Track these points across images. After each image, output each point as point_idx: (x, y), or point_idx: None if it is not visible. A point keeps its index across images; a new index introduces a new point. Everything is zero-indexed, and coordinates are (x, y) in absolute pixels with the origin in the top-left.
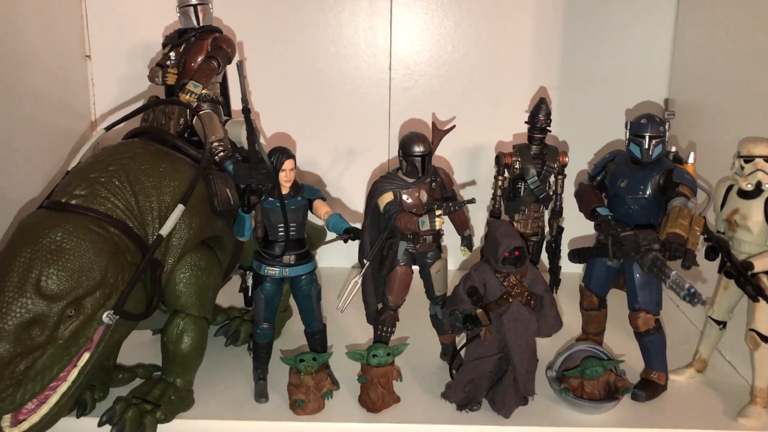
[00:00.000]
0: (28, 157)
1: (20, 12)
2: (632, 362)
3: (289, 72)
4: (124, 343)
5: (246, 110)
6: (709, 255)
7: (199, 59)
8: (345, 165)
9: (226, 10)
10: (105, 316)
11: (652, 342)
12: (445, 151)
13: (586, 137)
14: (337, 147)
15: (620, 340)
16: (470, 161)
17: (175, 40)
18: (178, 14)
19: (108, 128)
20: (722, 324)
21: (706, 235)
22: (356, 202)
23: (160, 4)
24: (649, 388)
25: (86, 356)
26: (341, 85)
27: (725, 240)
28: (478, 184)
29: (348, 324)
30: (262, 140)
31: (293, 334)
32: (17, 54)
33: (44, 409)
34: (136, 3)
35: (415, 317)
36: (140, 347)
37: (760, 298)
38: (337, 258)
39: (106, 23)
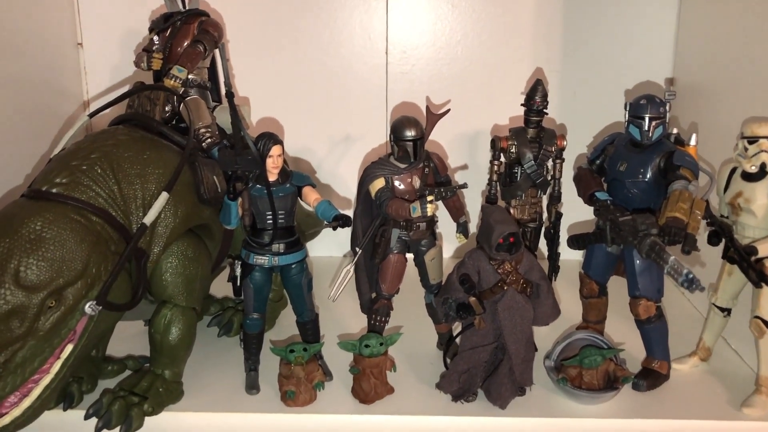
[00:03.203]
0: (21, 145)
1: (11, 1)
2: (633, 351)
3: (281, 57)
4: (114, 334)
5: (229, 94)
6: (712, 240)
7: (185, 44)
8: (342, 151)
9: None
10: (87, 307)
11: (653, 330)
12: (442, 135)
13: (585, 119)
14: (334, 133)
15: (621, 328)
16: (468, 145)
17: (161, 24)
18: None
19: (91, 115)
20: (726, 311)
21: (708, 220)
22: (354, 188)
23: None
24: (651, 377)
25: (69, 348)
26: (337, 70)
27: (728, 224)
28: (475, 169)
29: (342, 313)
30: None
31: (286, 323)
32: (9, 43)
33: (27, 402)
34: None
35: (410, 306)
36: (130, 338)
37: (764, 284)
38: (330, 247)
39: (98, 11)
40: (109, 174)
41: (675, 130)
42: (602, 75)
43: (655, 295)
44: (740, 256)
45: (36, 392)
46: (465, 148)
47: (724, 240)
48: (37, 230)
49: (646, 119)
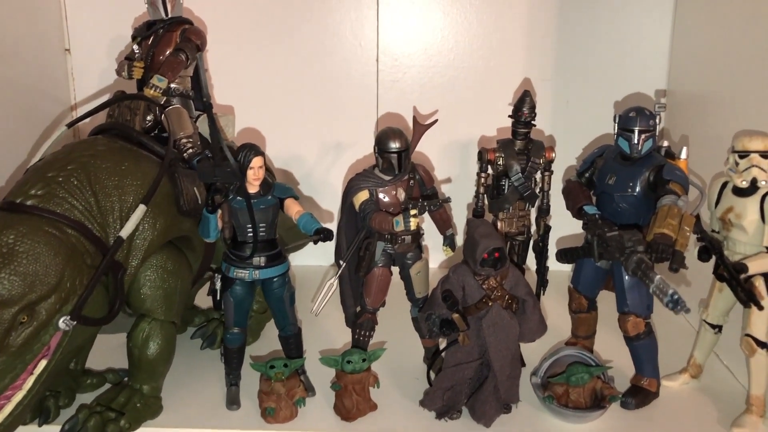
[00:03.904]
0: (5, 152)
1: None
2: (623, 367)
3: (270, 64)
4: (95, 346)
5: (207, 105)
6: (702, 256)
7: (167, 52)
8: (331, 161)
9: (199, 1)
10: (61, 322)
11: (642, 347)
12: (430, 146)
13: (575, 131)
14: (323, 143)
15: (611, 344)
16: (456, 156)
17: (143, 32)
18: (146, 5)
19: (70, 125)
20: (717, 328)
21: (699, 235)
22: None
23: None
24: (640, 395)
25: (43, 363)
26: (326, 78)
27: (718, 240)
28: (463, 180)
29: (326, 327)
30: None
31: (269, 337)
32: None
33: None
34: None
35: (395, 320)
36: (112, 351)
37: (752, 304)
38: (315, 256)
39: (85, 17)
40: (85, 186)
41: (665, 143)
42: (595, 86)
43: (644, 312)
44: (729, 274)
45: (8, 409)
46: (453, 159)
47: (714, 256)
48: (9, 243)
49: (636, 132)
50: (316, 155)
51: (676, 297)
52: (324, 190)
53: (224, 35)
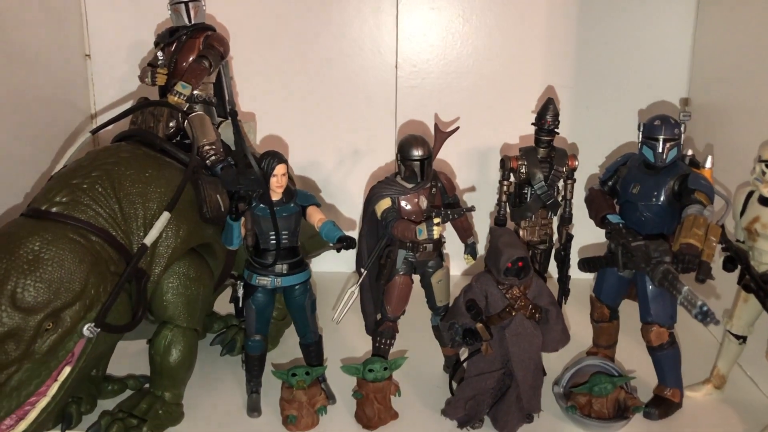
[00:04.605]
0: (25, 161)
1: (21, 12)
2: (645, 377)
3: (290, 71)
4: (115, 352)
5: (232, 113)
6: (727, 266)
7: (190, 59)
8: (349, 168)
9: (222, 7)
10: (86, 329)
11: (665, 357)
12: (451, 152)
13: (598, 139)
14: (342, 149)
15: (633, 353)
16: (477, 164)
17: (166, 38)
18: (170, 12)
19: (94, 131)
20: (742, 338)
21: (724, 245)
22: (360, 206)
23: (160, 3)
24: (663, 405)
25: (67, 370)
26: (345, 85)
27: (744, 250)
28: (484, 188)
29: (347, 334)
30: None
31: (290, 344)
32: (17, 54)
33: (22, 426)
34: (135, 2)
35: (416, 328)
36: (132, 356)
37: None
38: (336, 263)
39: (106, 22)
40: (110, 193)
41: (690, 152)
42: (616, 93)
43: (667, 321)
44: (757, 284)
45: (32, 415)
46: (474, 166)
47: (739, 266)
48: (35, 251)
49: (660, 141)
50: (337, 162)
51: (705, 309)
52: (345, 197)
53: (245, 42)
